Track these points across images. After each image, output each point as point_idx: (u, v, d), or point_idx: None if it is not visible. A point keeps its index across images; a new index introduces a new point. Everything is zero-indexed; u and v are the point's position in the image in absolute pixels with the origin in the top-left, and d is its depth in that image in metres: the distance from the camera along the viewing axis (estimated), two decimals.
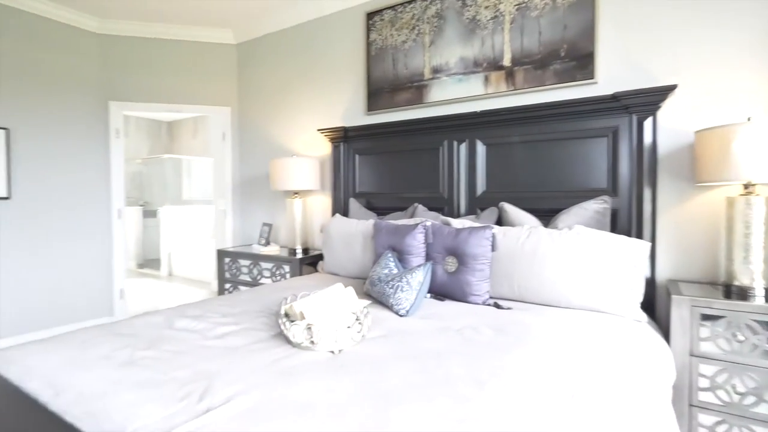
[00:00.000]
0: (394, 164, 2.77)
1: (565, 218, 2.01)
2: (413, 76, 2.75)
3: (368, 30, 2.94)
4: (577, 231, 1.80)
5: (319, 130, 3.01)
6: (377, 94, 2.91)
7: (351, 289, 1.63)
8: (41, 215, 3.22)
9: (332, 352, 1.31)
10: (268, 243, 3.17)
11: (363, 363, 1.21)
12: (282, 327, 1.41)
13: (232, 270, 3.16)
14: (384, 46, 2.87)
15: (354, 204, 2.81)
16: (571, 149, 2.19)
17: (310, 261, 2.90)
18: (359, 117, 3.03)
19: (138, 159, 7.41)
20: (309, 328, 1.37)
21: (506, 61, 2.44)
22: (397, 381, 1.08)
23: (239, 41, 3.78)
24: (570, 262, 1.74)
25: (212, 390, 1.03)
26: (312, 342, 1.34)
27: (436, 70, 2.66)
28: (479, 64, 2.52)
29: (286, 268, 2.83)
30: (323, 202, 3.23)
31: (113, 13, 3.35)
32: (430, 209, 2.54)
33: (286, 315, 1.53)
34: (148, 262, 6.98)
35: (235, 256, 3.13)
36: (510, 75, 2.42)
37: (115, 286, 3.62)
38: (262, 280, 2.97)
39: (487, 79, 2.50)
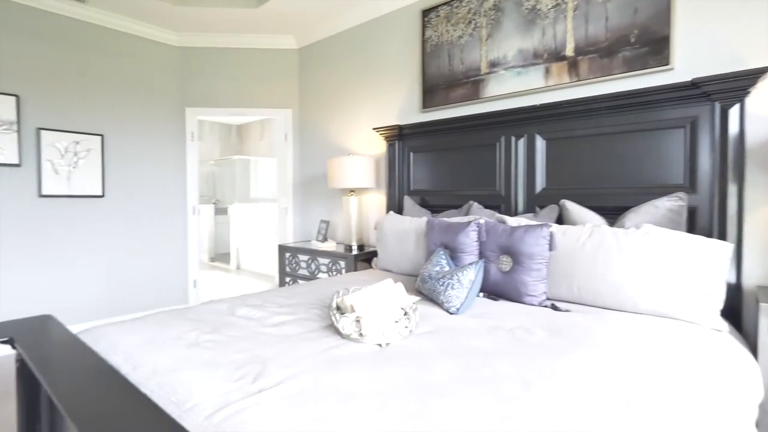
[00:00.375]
0: (449, 161, 2.74)
1: (633, 217, 1.86)
2: (469, 71, 2.70)
3: (423, 27, 2.94)
4: (646, 230, 1.66)
5: (374, 128, 3.05)
6: (432, 91, 2.89)
7: (400, 285, 1.64)
8: (128, 212, 3.59)
9: (379, 345, 1.32)
10: (325, 239, 3.28)
11: (408, 357, 1.21)
12: (333, 318, 1.45)
13: (292, 264, 3.31)
14: (439, 42, 2.85)
15: (408, 201, 2.82)
16: (641, 142, 2.02)
17: (365, 257, 2.95)
18: (414, 114, 3.03)
19: (211, 160, 8.00)
20: (358, 321, 1.40)
21: (569, 51, 2.31)
22: (442, 376, 1.08)
23: (300, 45, 3.94)
24: (638, 264, 1.61)
25: (265, 373, 1.09)
26: (360, 334, 1.37)
27: (494, 64, 2.59)
28: (539, 56, 2.41)
29: (342, 263, 2.91)
30: (378, 199, 3.28)
31: (190, 26, 3.64)
32: (486, 207, 2.48)
33: (338, 308, 1.58)
34: (219, 256, 7.51)
35: (295, 251, 3.28)
36: (573, 65, 2.30)
37: (189, 276, 3.94)
38: (320, 275, 3.08)
39: (547, 71, 2.38)
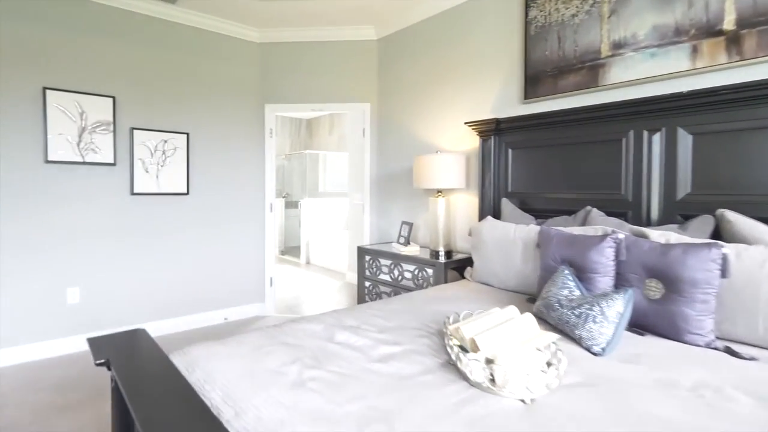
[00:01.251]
0: (557, 160, 2.38)
1: None
2: (585, 55, 2.30)
3: (526, 7, 2.57)
4: None
5: (466, 123, 2.75)
6: (536, 79, 2.53)
7: (530, 316, 1.35)
8: (209, 209, 3.61)
9: (522, 400, 1.06)
10: (408, 243, 3.05)
11: (568, 423, 0.93)
12: (453, 357, 1.21)
13: (372, 268, 3.12)
14: (547, 23, 2.47)
15: (507, 205, 2.50)
16: None
17: (455, 266, 2.68)
18: (512, 107, 2.69)
19: (282, 155, 8.11)
20: (489, 364, 1.14)
21: (727, 24, 1.85)
22: None
23: (380, 36, 3.71)
24: None
25: None
26: (493, 382, 1.11)
27: (618, 45, 2.17)
28: (683, 32, 1.97)
29: (429, 271, 2.67)
30: (468, 201, 2.98)
31: (270, 22, 3.55)
32: (609, 214, 2.10)
33: (451, 336, 1.33)
34: (289, 249, 7.62)
35: (376, 254, 3.08)
36: (733, 42, 1.84)
37: (266, 274, 3.92)
38: (403, 281, 2.86)
39: (695, 50, 1.94)
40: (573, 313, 1.46)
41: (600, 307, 1.41)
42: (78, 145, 2.94)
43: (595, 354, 1.34)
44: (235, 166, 3.75)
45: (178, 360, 1.33)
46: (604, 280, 1.64)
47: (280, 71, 3.82)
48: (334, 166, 7.63)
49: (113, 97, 3.07)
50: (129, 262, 3.20)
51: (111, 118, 3.07)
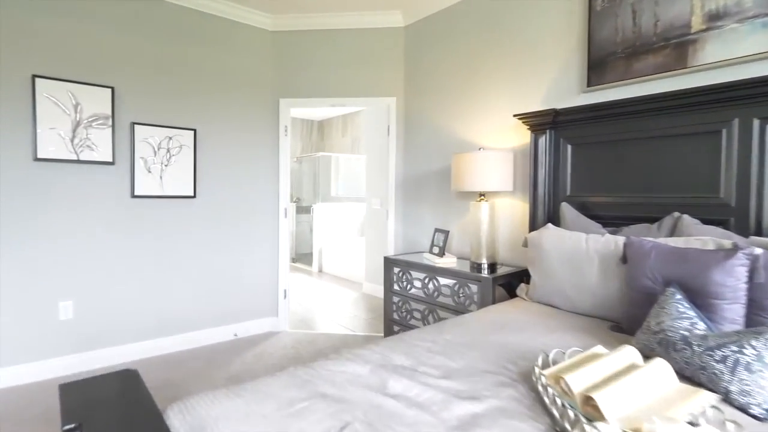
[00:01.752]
0: (630, 157, 2.00)
1: None
2: (669, 31, 1.93)
3: None
4: None
5: (516, 116, 2.38)
6: (602, 63, 2.15)
7: (662, 363, 0.98)
8: (218, 214, 3.26)
9: None
10: (443, 253, 2.68)
11: None
12: (567, 426, 0.83)
13: (402, 281, 2.75)
14: None
15: (569, 211, 2.12)
16: None
17: (503, 281, 2.30)
18: (570, 97, 2.32)
19: (293, 158, 7.78)
20: None
21: None
22: None
23: (408, 23, 3.37)
24: None
25: None
26: None
27: (716, 16, 1.80)
28: None
29: (473, 287, 2.29)
30: (513, 206, 2.60)
31: (284, 6, 3.22)
32: (705, 222, 1.71)
33: (548, 387, 0.96)
34: (300, 256, 7.26)
35: (406, 266, 2.71)
36: None
37: (279, 285, 3.56)
38: (440, 297, 2.48)
39: None
40: (711, 355, 1.07)
41: (753, 348, 1.02)
42: (72, 141, 2.61)
43: (757, 418, 0.96)
44: (246, 167, 3.40)
45: (178, 421, 0.96)
46: (733, 309, 1.26)
47: (295, 62, 3.48)
48: (348, 169, 7.29)
49: (112, 88, 2.74)
50: (129, 272, 2.86)
51: (109, 112, 2.74)
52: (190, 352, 3.01)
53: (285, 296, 3.56)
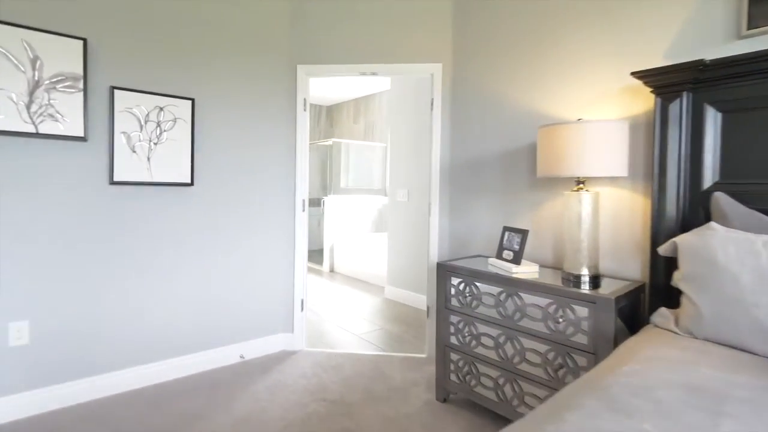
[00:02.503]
0: None
1: None
2: None
3: None
4: None
5: (634, 73, 1.73)
6: None
7: None
8: (222, 206, 2.61)
9: None
10: (518, 260, 2.04)
11: None
12: None
13: (464, 295, 2.11)
14: None
15: (732, 205, 1.48)
16: None
17: (624, 302, 1.66)
18: (714, 46, 1.67)
19: None
20: None
21: None
22: None
23: None
24: None
25: None
26: None
27: None
28: None
29: (581, 311, 1.65)
30: (620, 198, 1.97)
31: None
32: None
33: None
34: (309, 254, 6.61)
35: (472, 276, 2.07)
36: None
37: (295, 295, 2.91)
38: (522, 321, 1.85)
39: None
40: None
41: None
42: (28, 108, 1.95)
43: None
44: (256, 148, 2.75)
45: None
46: None
47: (316, 20, 2.81)
48: (360, 158, 6.62)
49: (84, 40, 2.07)
50: (104, 282, 2.21)
51: (80, 71, 2.07)
52: (184, 383, 2.37)
53: (302, 308, 2.92)
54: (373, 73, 2.81)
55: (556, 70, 2.21)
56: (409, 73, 2.79)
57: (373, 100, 6.56)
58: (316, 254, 6.56)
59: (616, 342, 1.58)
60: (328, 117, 7.50)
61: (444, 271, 2.20)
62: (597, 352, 1.60)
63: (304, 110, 2.87)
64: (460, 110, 2.73)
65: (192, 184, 2.45)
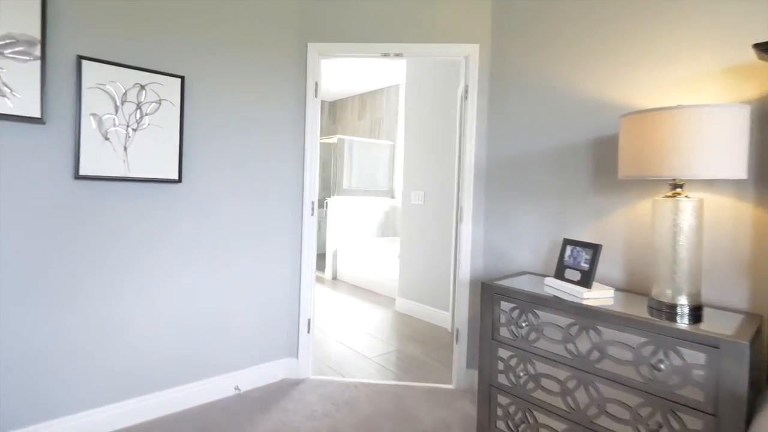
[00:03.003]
0: None
1: None
2: None
3: None
4: None
5: (757, 45, 1.32)
6: None
7: None
8: (214, 208, 2.18)
9: None
10: (588, 282, 1.62)
11: None
12: None
13: (518, 323, 1.69)
14: None
15: None
16: None
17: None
18: None
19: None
20: None
21: None
22: None
23: None
24: None
25: None
26: None
27: None
28: None
29: (694, 356, 1.24)
30: (721, 206, 1.56)
31: None
32: None
33: None
34: None
35: (531, 302, 1.65)
36: None
37: (301, 314, 2.48)
38: (603, 363, 1.43)
39: None
40: None
41: None
42: None
43: None
44: (258, 139, 2.32)
45: None
46: None
47: None
48: (365, 157, 6.19)
49: None
50: (67, 301, 1.76)
51: (37, 34, 1.63)
52: (166, 425, 1.93)
53: (309, 329, 2.49)
54: (398, 55, 2.40)
55: (629, 46, 1.80)
56: (440, 55, 2.38)
57: (380, 95, 6.14)
58: (317, 260, 6.11)
59: (748, 400, 1.17)
60: (331, 113, 7.07)
61: (491, 293, 1.78)
62: (719, 414, 1.19)
63: (315, 96, 2.45)
64: (500, 99, 2.32)
65: (179, 180, 2.02)
